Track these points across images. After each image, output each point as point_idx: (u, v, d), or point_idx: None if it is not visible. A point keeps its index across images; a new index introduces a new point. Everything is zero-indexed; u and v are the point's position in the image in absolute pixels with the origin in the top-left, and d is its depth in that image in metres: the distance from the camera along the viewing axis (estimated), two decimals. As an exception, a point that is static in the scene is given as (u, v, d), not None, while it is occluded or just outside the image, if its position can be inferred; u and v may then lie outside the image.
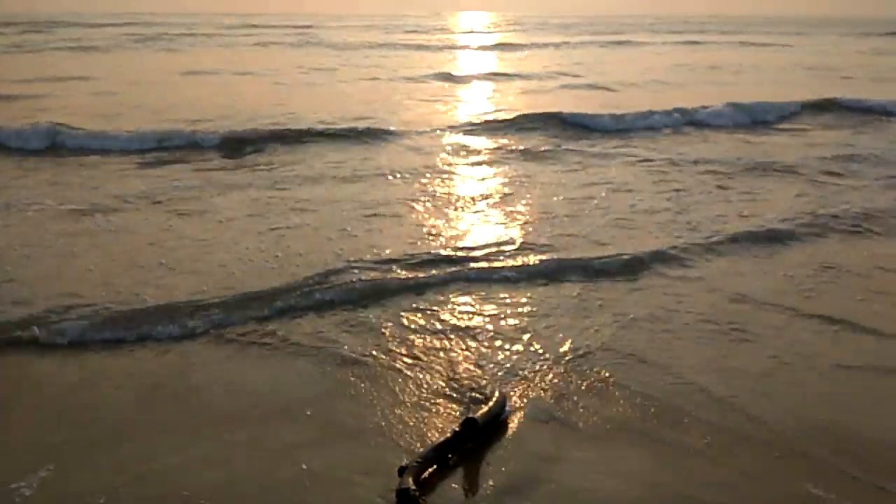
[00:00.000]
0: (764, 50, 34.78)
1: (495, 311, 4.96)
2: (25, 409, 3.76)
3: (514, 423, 3.62)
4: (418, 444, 3.38)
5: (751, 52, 33.41)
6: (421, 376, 4.07)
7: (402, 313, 4.90)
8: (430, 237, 6.46)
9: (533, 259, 5.91)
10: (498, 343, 4.49)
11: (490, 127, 12.25)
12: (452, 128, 12.15)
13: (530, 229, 6.72)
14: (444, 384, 3.98)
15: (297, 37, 38.55)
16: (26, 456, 3.33)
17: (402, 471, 3.08)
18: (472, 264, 5.78)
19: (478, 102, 15.89)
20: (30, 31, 36.63)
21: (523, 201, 7.74)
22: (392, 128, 11.66)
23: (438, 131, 11.84)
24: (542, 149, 10.64)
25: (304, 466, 3.27)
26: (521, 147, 10.74)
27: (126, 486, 3.13)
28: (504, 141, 11.21)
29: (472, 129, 12.13)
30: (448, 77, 20.15)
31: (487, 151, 10.50)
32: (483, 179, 8.89)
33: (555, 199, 7.88)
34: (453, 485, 3.17)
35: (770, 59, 29.02)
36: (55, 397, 3.86)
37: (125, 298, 4.96)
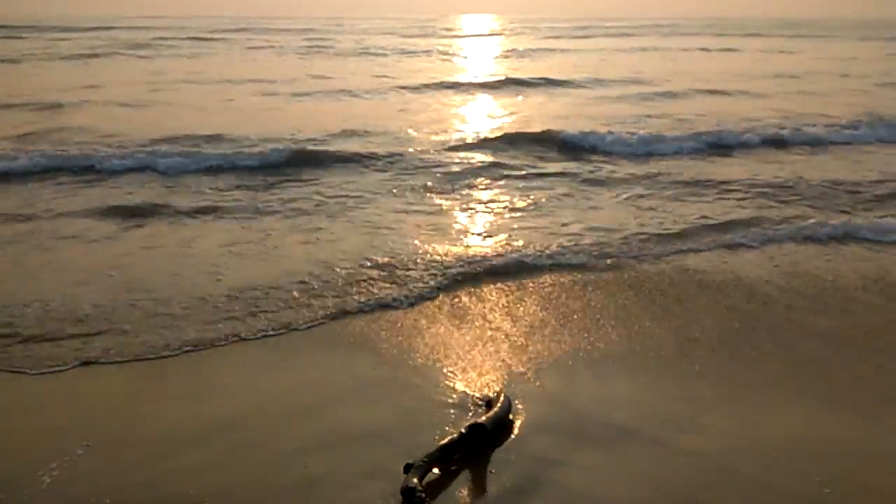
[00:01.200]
0: (805, 54, 32.31)
1: (512, 309, 5.01)
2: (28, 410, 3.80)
3: (518, 426, 3.62)
4: (417, 448, 3.35)
5: (802, 58, 30.30)
6: (429, 377, 4.08)
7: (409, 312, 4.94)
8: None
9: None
10: (507, 345, 4.50)
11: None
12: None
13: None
14: (451, 385, 3.99)
15: (305, 42, 36.16)
16: (33, 458, 3.36)
17: (407, 468, 3.09)
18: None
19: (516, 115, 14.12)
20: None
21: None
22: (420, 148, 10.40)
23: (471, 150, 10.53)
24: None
25: (307, 469, 3.28)
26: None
27: (131, 487, 3.15)
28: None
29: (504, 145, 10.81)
30: (479, 86, 18.56)
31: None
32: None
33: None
34: (458, 486, 3.18)
35: (821, 66, 25.96)
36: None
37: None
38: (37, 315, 4.78)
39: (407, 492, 2.96)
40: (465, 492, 3.16)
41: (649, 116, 13.41)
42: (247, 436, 3.54)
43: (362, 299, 5.12)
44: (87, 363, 4.24)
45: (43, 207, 7.46)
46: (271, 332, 4.66)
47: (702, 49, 34.98)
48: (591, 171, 9.51)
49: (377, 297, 5.16)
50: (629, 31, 53.09)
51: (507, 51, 32.84)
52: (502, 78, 19.87)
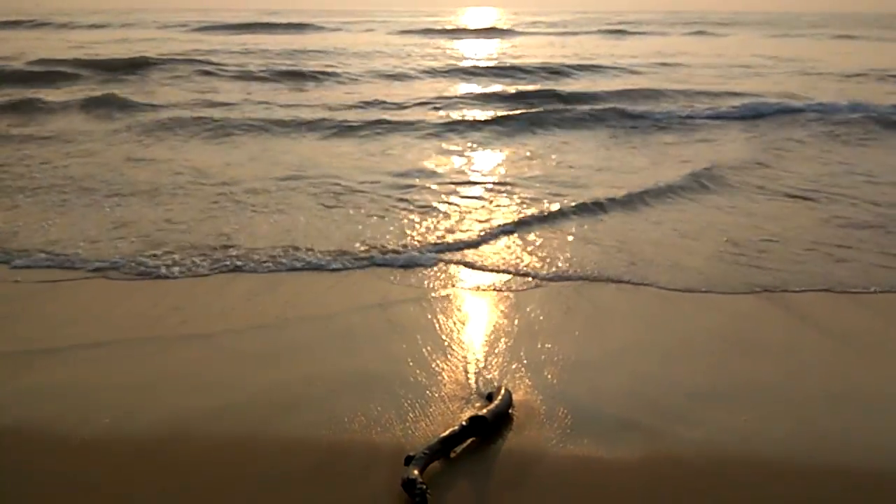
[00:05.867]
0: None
1: (510, 303, 5.03)
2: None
3: (517, 418, 3.64)
4: (418, 440, 3.39)
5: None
6: (430, 370, 4.10)
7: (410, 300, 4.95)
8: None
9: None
10: (507, 339, 4.53)
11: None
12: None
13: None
14: (452, 378, 4.01)
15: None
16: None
17: (408, 460, 3.11)
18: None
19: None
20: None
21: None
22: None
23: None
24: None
25: (308, 459, 3.29)
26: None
27: (132, 479, 3.18)
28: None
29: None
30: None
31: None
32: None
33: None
34: (457, 478, 3.20)
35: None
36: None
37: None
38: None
39: (408, 483, 2.98)
40: (465, 483, 3.18)
41: None
42: (246, 427, 3.56)
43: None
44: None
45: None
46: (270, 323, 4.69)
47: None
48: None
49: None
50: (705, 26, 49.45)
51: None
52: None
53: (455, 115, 13.25)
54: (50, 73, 17.35)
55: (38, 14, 44.87)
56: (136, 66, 18.84)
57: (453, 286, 5.42)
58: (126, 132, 11.31)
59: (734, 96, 15.19)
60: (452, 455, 3.30)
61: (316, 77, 18.38)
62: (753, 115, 13.16)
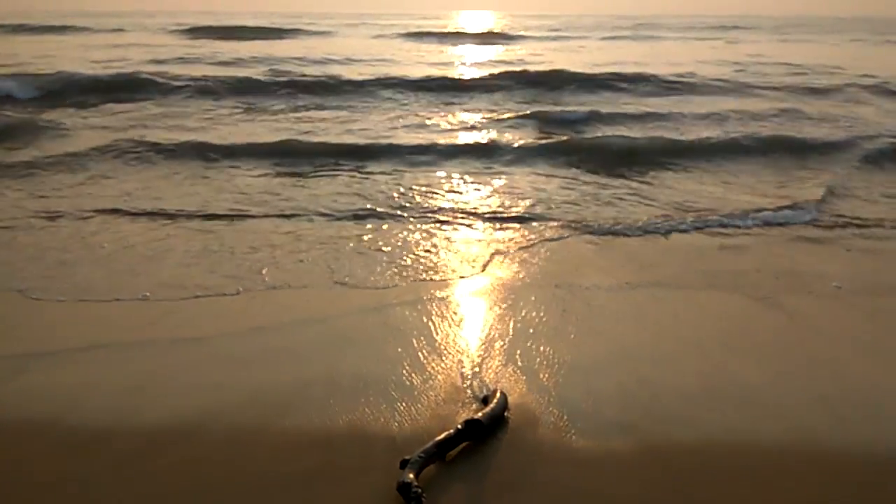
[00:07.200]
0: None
1: (505, 306, 5.02)
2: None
3: (513, 420, 3.63)
4: (414, 444, 3.37)
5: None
6: (424, 373, 4.09)
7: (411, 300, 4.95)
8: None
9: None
10: (503, 342, 4.52)
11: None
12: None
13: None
14: (447, 381, 4.01)
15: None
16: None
17: (403, 464, 3.11)
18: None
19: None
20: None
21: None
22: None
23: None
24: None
25: (301, 464, 3.29)
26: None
27: (129, 479, 3.18)
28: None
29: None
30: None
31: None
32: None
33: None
34: (453, 480, 3.19)
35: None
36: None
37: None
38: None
39: (403, 487, 2.97)
40: (460, 487, 3.17)
41: None
42: (241, 428, 3.56)
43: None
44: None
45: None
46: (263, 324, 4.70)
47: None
48: None
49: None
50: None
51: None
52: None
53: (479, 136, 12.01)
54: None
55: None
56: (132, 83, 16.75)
57: (449, 289, 5.42)
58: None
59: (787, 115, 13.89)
60: (448, 458, 3.30)
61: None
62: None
